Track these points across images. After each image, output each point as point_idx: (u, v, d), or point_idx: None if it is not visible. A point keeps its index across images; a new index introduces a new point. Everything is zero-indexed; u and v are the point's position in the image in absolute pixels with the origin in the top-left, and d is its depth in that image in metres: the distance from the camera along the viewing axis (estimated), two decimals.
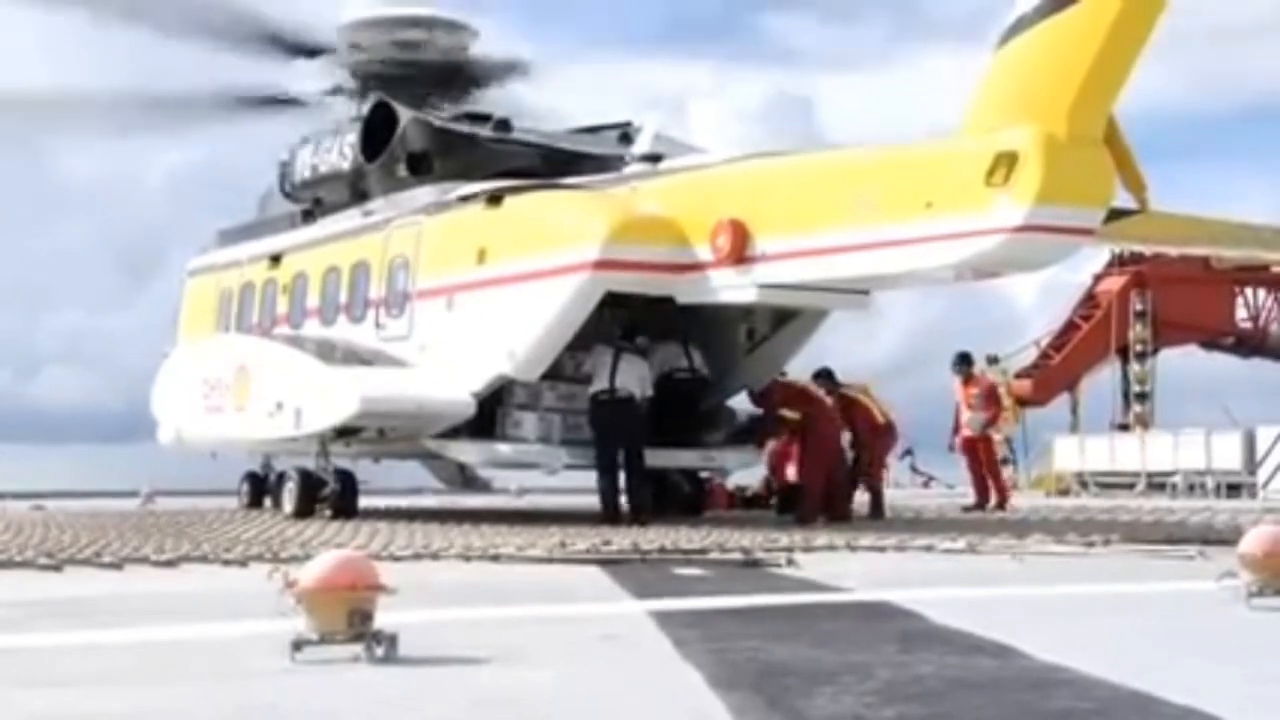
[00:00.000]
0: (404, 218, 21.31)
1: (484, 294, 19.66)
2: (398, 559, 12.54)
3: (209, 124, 25.38)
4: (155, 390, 24.52)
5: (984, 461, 24.28)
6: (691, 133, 22.76)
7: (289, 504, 20.32)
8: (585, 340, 19.25)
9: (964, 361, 24.84)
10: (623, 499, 19.23)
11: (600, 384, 19.08)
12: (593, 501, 19.89)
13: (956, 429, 24.53)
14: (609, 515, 18.75)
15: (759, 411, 20.59)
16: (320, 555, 7.24)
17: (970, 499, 24.25)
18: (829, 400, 20.24)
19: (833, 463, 19.99)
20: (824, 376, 20.75)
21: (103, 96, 23.40)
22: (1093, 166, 15.74)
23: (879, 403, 21.30)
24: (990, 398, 24.61)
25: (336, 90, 23.35)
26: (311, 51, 22.89)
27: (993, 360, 41.85)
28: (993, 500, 23.81)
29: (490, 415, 19.63)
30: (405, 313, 20.81)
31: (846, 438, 20.48)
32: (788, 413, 19.89)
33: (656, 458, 19.53)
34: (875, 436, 21.18)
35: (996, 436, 25.41)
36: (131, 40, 23.28)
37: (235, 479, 24.22)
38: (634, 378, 19.13)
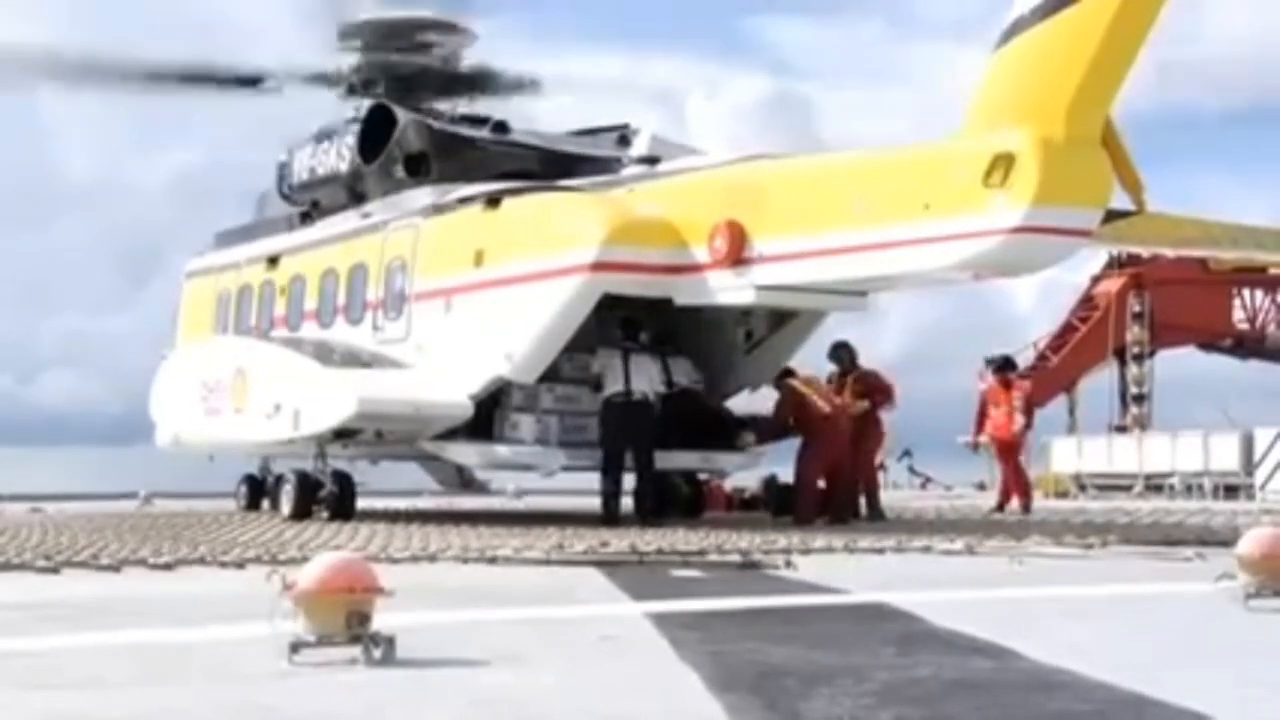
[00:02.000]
0: (402, 219, 21.31)
1: (482, 296, 19.66)
2: (395, 561, 12.54)
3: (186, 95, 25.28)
4: (153, 393, 24.50)
5: (1014, 462, 24.21)
6: (689, 135, 22.80)
7: (287, 506, 20.30)
8: (587, 343, 19.24)
9: (1006, 365, 24.88)
10: (627, 500, 19.24)
11: (615, 386, 19.07)
12: (590, 503, 19.88)
13: (979, 428, 24.35)
14: (609, 517, 18.74)
15: (758, 414, 20.58)
16: (318, 557, 7.24)
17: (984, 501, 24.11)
18: (836, 395, 20.14)
19: (834, 465, 19.89)
20: (842, 347, 20.62)
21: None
22: (1090, 167, 15.75)
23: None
24: (1028, 403, 24.62)
25: (322, 76, 23.25)
26: (253, 81, 22.91)
27: (991, 362, 41.85)
28: (1013, 504, 23.51)
29: (488, 417, 19.61)
30: (403, 315, 20.80)
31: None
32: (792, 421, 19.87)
33: (655, 460, 19.50)
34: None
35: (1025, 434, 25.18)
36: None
37: (233, 481, 24.19)
38: (645, 378, 19.19)
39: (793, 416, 19.87)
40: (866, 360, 21.20)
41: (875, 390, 20.78)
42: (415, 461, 23.28)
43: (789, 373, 20.22)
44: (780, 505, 21.11)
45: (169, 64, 23.34)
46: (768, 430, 20.48)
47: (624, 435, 19.11)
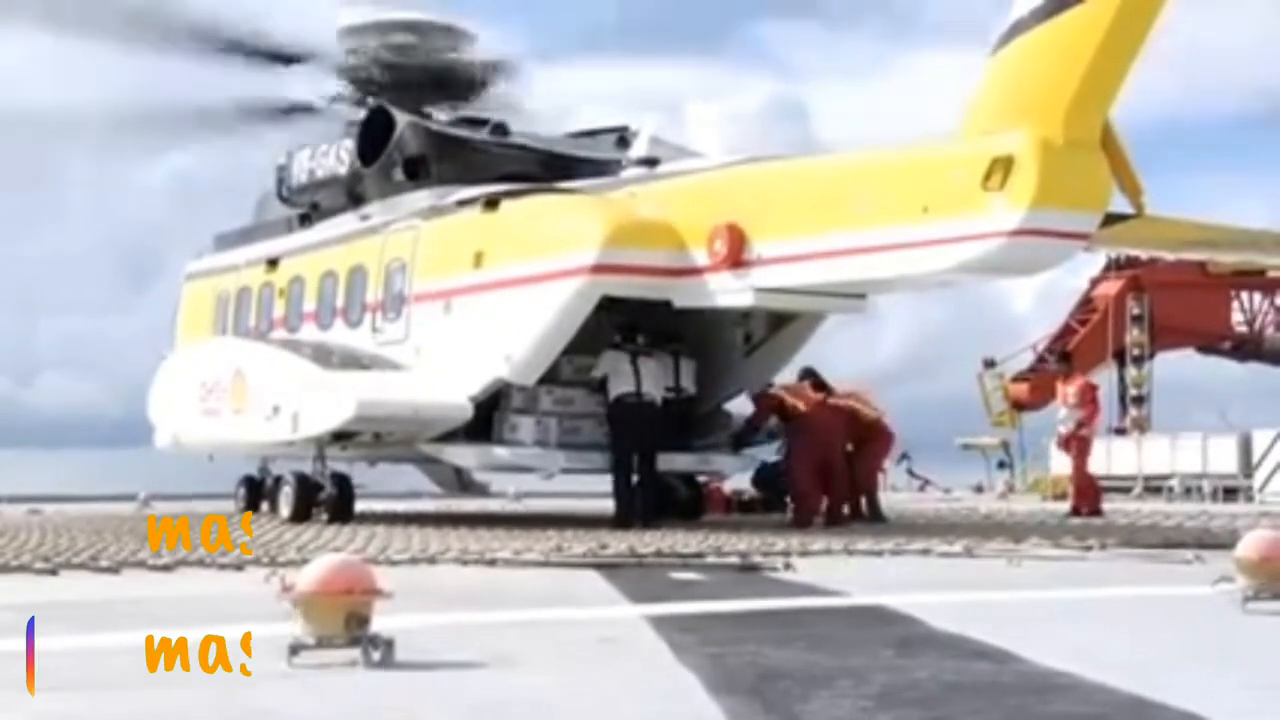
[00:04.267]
0: (401, 221, 21.30)
1: (481, 298, 19.65)
2: (394, 563, 12.55)
3: (222, 136, 25.22)
4: (152, 394, 24.49)
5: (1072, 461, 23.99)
6: (689, 137, 22.77)
7: (285, 508, 20.31)
8: (593, 345, 19.22)
9: (1063, 360, 24.75)
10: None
11: (625, 386, 19.07)
12: (589, 505, 19.89)
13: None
14: (624, 517, 18.70)
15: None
16: (317, 559, 7.24)
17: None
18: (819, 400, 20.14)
19: (826, 465, 19.83)
20: (809, 376, 20.56)
21: (109, 111, 23.38)
22: (1089, 170, 15.75)
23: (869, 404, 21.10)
24: (1086, 397, 24.33)
25: (341, 96, 23.34)
26: (300, 58, 22.88)
27: (989, 364, 41.90)
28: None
29: (487, 419, 19.61)
30: (402, 316, 20.80)
31: None
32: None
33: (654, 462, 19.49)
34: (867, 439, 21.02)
35: (1086, 434, 24.67)
36: (138, 56, 23.18)
37: (232, 483, 24.17)
38: (653, 381, 19.20)
39: (775, 417, 19.91)
40: (866, 365, 21.25)
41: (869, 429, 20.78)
42: (414, 464, 23.28)
43: (810, 374, 20.23)
44: (769, 499, 21.19)
45: (219, 103, 23.37)
46: (745, 431, 20.54)
47: (631, 435, 19.11)
